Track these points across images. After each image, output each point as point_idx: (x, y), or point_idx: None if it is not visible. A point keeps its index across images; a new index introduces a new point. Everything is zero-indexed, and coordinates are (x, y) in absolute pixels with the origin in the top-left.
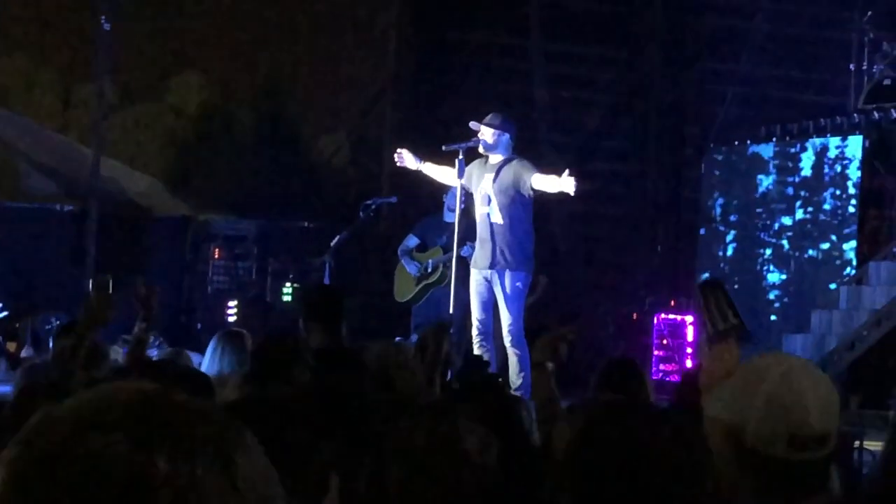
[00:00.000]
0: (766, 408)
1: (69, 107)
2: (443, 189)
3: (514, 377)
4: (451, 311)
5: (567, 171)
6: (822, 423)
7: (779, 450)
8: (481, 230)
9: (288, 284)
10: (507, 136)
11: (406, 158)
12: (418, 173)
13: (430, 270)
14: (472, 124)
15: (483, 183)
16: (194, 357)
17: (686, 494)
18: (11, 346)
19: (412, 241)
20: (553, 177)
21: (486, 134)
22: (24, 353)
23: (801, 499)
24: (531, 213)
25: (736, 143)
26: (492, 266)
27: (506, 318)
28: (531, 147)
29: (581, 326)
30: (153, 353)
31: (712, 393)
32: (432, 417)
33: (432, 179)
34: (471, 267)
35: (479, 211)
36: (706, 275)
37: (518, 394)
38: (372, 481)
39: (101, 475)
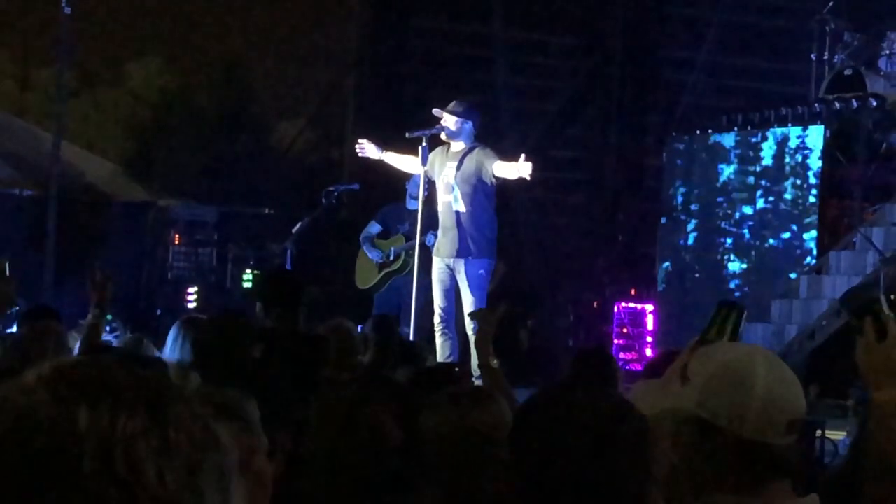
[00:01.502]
0: (766, 398)
1: (26, 91)
2: (405, 177)
3: (476, 365)
4: (412, 299)
5: (523, 156)
6: (803, 406)
7: (777, 436)
8: (444, 218)
9: (248, 271)
10: (469, 123)
11: (368, 149)
12: (380, 162)
13: (391, 258)
14: (436, 111)
15: (446, 171)
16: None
17: (630, 475)
18: None
19: (374, 228)
20: (512, 163)
21: (449, 121)
22: None
23: (776, 481)
24: (494, 200)
25: (697, 132)
26: (455, 254)
27: (468, 305)
28: (491, 135)
29: (509, 308)
30: (112, 340)
31: (672, 391)
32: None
33: (395, 168)
34: (433, 255)
35: (442, 199)
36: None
37: (479, 383)
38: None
39: (25, 428)
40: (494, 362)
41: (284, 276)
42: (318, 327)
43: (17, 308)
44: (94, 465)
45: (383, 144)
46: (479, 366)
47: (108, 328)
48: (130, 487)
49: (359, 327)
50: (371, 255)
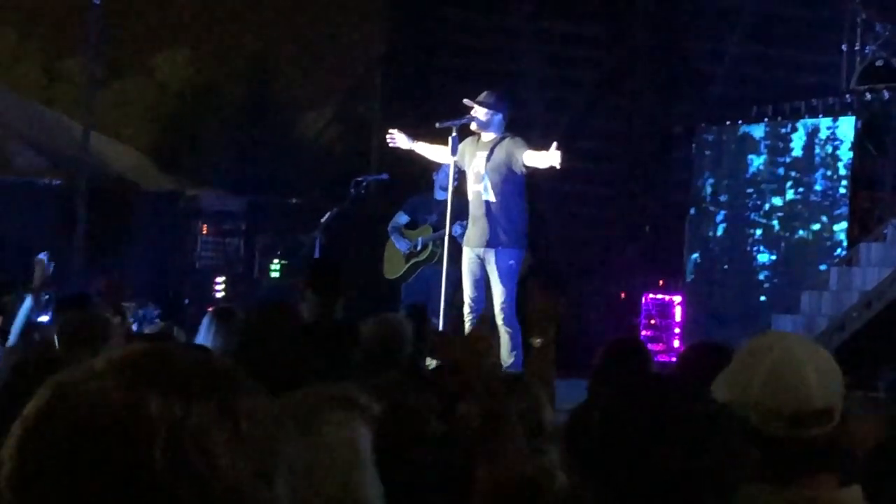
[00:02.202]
0: (767, 385)
1: (54, 81)
2: (433, 167)
3: (506, 355)
4: (442, 289)
5: (555, 145)
6: (824, 399)
7: (780, 427)
8: (474, 208)
9: (276, 261)
10: (500, 115)
11: (399, 139)
12: (410, 152)
13: (419, 248)
14: (466, 102)
15: (476, 161)
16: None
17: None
18: None
19: (402, 218)
20: (542, 152)
21: (480, 112)
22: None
23: (806, 477)
24: (524, 190)
25: (727, 122)
26: (485, 244)
27: (498, 295)
28: (519, 125)
29: (568, 304)
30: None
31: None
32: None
33: (424, 158)
34: (463, 245)
35: (472, 189)
36: None
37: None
38: None
39: (98, 420)
40: (538, 342)
41: (326, 264)
42: (367, 321)
43: (49, 296)
44: (164, 454)
45: (412, 135)
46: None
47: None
48: (201, 477)
49: None
50: (399, 245)
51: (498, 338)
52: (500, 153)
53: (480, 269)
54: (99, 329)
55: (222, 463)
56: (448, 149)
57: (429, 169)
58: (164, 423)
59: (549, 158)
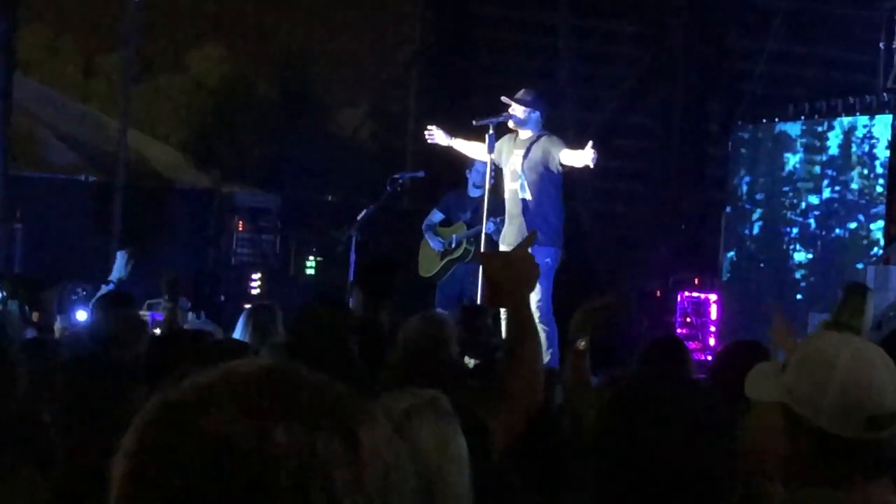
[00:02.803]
0: (843, 390)
1: (90, 77)
2: (468, 164)
3: (543, 353)
4: (477, 286)
5: (590, 143)
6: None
7: (856, 431)
8: (511, 206)
9: (311, 258)
10: (537, 112)
11: (437, 135)
12: (447, 149)
13: (454, 246)
14: (504, 99)
15: (513, 159)
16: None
17: (719, 469)
18: (35, 316)
19: (437, 216)
20: (578, 151)
21: (518, 110)
22: (58, 324)
23: (874, 478)
24: (560, 188)
25: (763, 120)
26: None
27: (534, 293)
28: (555, 123)
29: (618, 302)
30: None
31: (762, 377)
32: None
33: (462, 155)
34: (500, 243)
35: (509, 187)
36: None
37: None
38: None
39: (219, 452)
40: (582, 344)
41: (376, 264)
42: (411, 319)
43: (84, 292)
44: (288, 493)
45: (448, 131)
46: (567, 342)
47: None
48: None
49: None
50: (433, 243)
51: None
52: (536, 151)
53: None
54: (141, 331)
55: (346, 503)
56: (485, 146)
57: (462, 166)
58: (290, 459)
59: (584, 157)
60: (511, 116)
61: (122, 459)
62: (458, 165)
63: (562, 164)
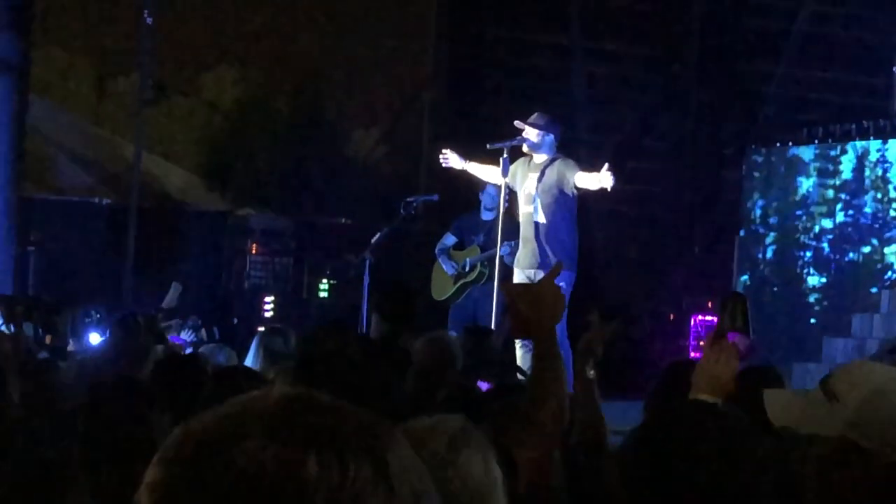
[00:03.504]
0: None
1: (103, 99)
2: (480, 186)
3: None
4: (492, 308)
5: (606, 166)
6: None
7: None
8: (525, 230)
9: (325, 281)
10: (551, 136)
11: (451, 159)
12: (462, 172)
13: (467, 269)
14: (517, 123)
15: (527, 182)
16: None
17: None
18: (48, 339)
19: (450, 239)
20: (594, 174)
21: (531, 134)
22: (70, 347)
23: None
24: (575, 212)
25: (777, 144)
26: (535, 266)
27: None
28: (568, 146)
29: (621, 326)
30: (184, 340)
31: (817, 409)
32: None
33: (476, 178)
34: (514, 266)
35: (523, 210)
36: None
37: None
38: None
39: (251, 484)
40: (591, 373)
41: (394, 290)
42: (417, 339)
43: (98, 315)
44: None
45: (462, 155)
46: (575, 372)
47: (187, 328)
48: None
49: None
50: (445, 267)
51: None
52: (551, 175)
53: None
54: (141, 353)
55: None
56: (499, 169)
57: (476, 189)
58: (323, 487)
59: (600, 179)
60: (524, 140)
61: (149, 494)
62: (471, 188)
63: (577, 188)
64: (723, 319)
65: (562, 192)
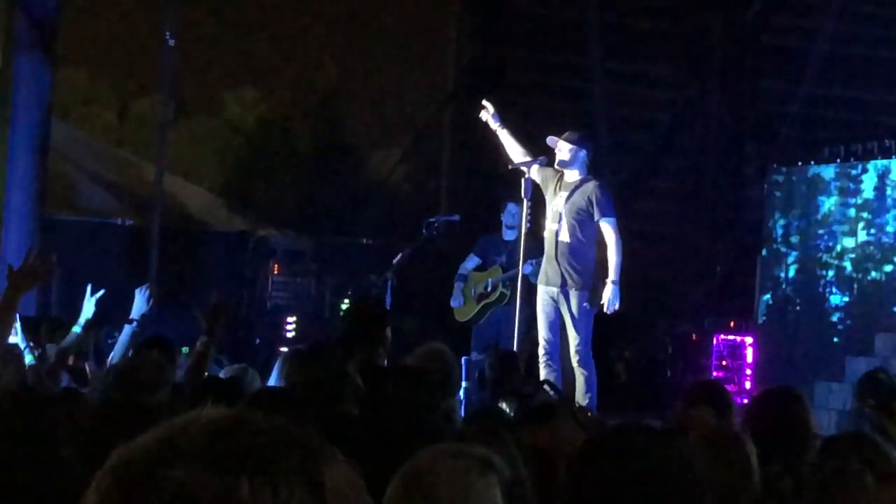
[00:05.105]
0: None
1: (124, 121)
2: (501, 207)
3: (581, 397)
4: (515, 328)
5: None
6: None
7: None
8: (549, 247)
9: (346, 301)
10: (584, 151)
11: (487, 114)
12: (492, 133)
13: (489, 290)
14: (550, 140)
15: (556, 200)
16: None
17: None
18: (70, 360)
19: (472, 261)
20: (611, 264)
21: (563, 150)
22: (89, 368)
23: None
24: (598, 233)
25: (798, 163)
26: (559, 284)
27: (573, 337)
28: (591, 165)
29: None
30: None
31: None
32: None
33: (503, 149)
34: (538, 284)
35: (549, 227)
36: None
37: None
38: None
39: None
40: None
41: (364, 313)
42: (411, 353)
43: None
44: None
45: (479, 176)
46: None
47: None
48: None
49: (462, 359)
50: (453, 298)
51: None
52: (581, 197)
53: (555, 311)
54: (159, 375)
55: None
56: (527, 156)
57: (497, 208)
58: None
59: (604, 294)
60: (544, 160)
61: None
62: (493, 208)
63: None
64: None
65: (589, 215)
